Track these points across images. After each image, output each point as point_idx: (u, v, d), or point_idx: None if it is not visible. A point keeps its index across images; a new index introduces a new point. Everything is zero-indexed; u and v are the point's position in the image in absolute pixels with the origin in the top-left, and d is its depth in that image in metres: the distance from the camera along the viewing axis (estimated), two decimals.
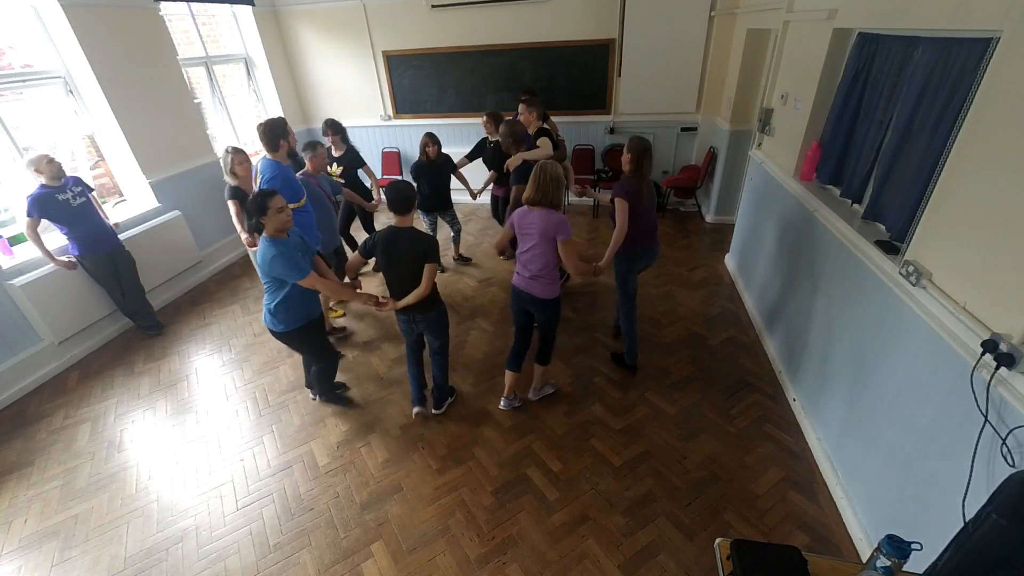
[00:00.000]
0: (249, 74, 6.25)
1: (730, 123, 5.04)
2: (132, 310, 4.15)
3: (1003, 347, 1.45)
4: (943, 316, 1.73)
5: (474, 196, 4.74)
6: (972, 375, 1.57)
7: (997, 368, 1.46)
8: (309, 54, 6.50)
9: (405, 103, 6.58)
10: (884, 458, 2.10)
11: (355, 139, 6.81)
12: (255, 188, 3.45)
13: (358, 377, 3.59)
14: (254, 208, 2.47)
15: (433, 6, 5.76)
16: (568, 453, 2.84)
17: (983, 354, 1.50)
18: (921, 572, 1.21)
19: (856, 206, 2.68)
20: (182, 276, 4.93)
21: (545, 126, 4.22)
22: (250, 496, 2.73)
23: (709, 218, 5.82)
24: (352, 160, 4.59)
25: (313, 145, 3.77)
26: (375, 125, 6.79)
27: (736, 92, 4.87)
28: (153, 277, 4.49)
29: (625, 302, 3.28)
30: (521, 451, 2.89)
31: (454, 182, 4.60)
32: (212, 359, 3.93)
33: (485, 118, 4.45)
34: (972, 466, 1.53)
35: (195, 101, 5.24)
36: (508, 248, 2.79)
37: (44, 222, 3.52)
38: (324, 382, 3.19)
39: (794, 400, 3.05)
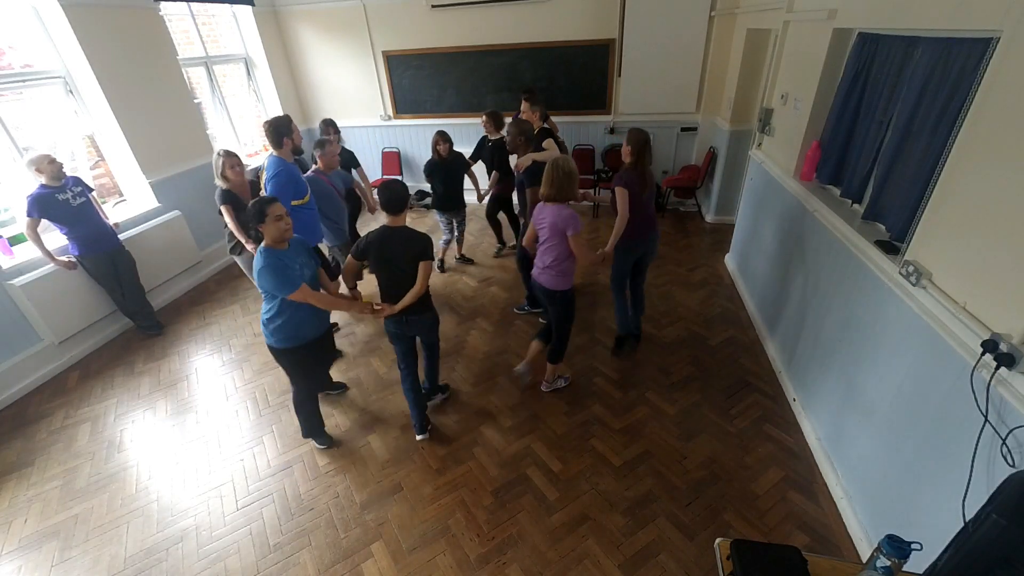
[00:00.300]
0: (249, 74, 6.25)
1: (730, 123, 5.04)
2: (132, 310, 4.15)
3: (1003, 347, 1.45)
4: (943, 316, 1.73)
5: (480, 199, 4.75)
6: (972, 375, 1.56)
7: (997, 368, 1.46)
8: (309, 54, 6.50)
9: (405, 103, 6.58)
10: (884, 458, 2.10)
11: (355, 139, 6.86)
12: (263, 187, 3.41)
13: (358, 377, 3.59)
14: (253, 216, 2.33)
15: (433, 6, 5.76)
16: (568, 453, 2.84)
17: (983, 354, 1.50)
18: (921, 572, 1.21)
19: (856, 206, 2.67)
20: (182, 276, 4.93)
21: (546, 126, 4.22)
22: (250, 496, 2.73)
23: (709, 218, 5.82)
24: (347, 160, 4.60)
25: (322, 143, 3.77)
26: (375, 125, 6.79)
27: (736, 92, 4.87)
28: (153, 277, 4.49)
29: (616, 290, 3.39)
30: (521, 451, 2.89)
31: (466, 182, 4.61)
32: (212, 359, 3.93)
33: (485, 118, 4.44)
34: (972, 466, 1.53)
35: (195, 101, 5.25)
36: (535, 246, 2.92)
37: (44, 222, 3.52)
38: (302, 411, 2.90)
39: (794, 400, 3.05)
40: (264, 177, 3.35)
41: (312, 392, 2.92)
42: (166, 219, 4.64)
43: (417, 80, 6.36)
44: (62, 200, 3.53)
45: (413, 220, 6.46)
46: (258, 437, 3.13)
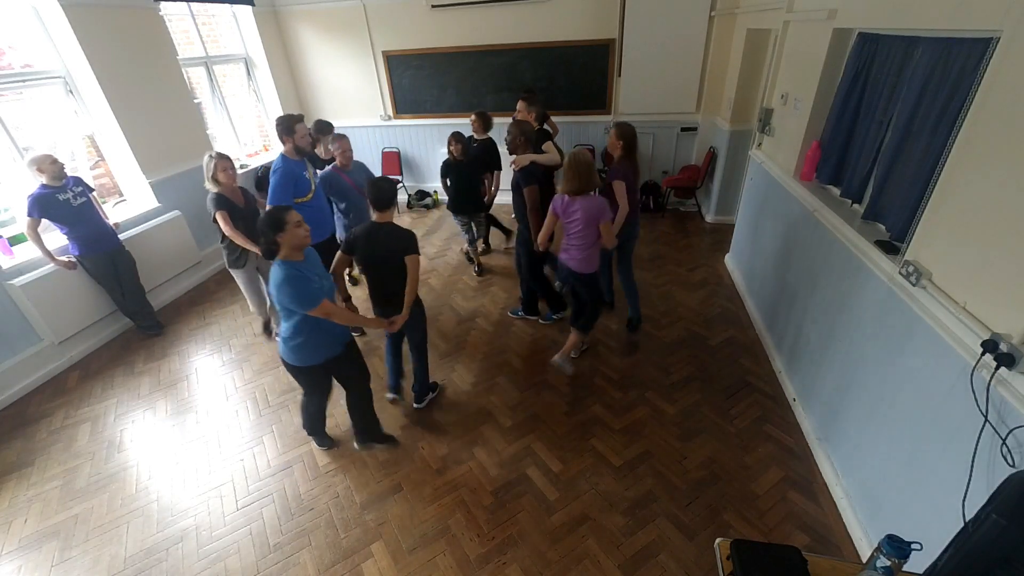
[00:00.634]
0: (249, 74, 6.25)
1: (730, 123, 5.04)
2: (132, 310, 4.15)
3: (1003, 347, 1.45)
4: (943, 316, 1.73)
5: (487, 203, 4.75)
6: (972, 375, 1.57)
7: (997, 368, 1.46)
8: (309, 54, 6.50)
9: (405, 103, 6.58)
10: (884, 458, 2.10)
11: (355, 139, 6.82)
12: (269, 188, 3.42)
13: None
14: (269, 226, 2.15)
15: (433, 6, 5.76)
16: (568, 453, 2.84)
17: (983, 354, 1.50)
18: (921, 572, 1.21)
19: (856, 206, 2.68)
20: (182, 276, 4.93)
21: (547, 128, 4.21)
22: (250, 496, 2.73)
23: (709, 218, 5.82)
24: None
25: (339, 137, 3.80)
26: (375, 125, 6.79)
27: (736, 92, 4.87)
28: (153, 277, 4.49)
29: (604, 265, 3.56)
30: (521, 451, 2.89)
31: None
32: (212, 359, 3.93)
33: (474, 117, 4.45)
34: (972, 466, 1.53)
35: (195, 101, 5.25)
36: (548, 242, 3.08)
37: (44, 222, 3.52)
38: (306, 413, 2.88)
39: (794, 400, 3.05)
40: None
41: (323, 406, 2.88)
42: (166, 219, 4.64)
43: (417, 80, 6.36)
44: (63, 200, 3.53)
45: (413, 220, 6.47)
46: (258, 437, 3.13)
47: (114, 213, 4.39)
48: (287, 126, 3.35)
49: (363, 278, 3.15)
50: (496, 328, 4.05)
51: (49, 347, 3.81)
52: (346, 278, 4.63)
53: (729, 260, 4.80)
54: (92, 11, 4.05)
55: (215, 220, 3.37)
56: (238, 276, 3.69)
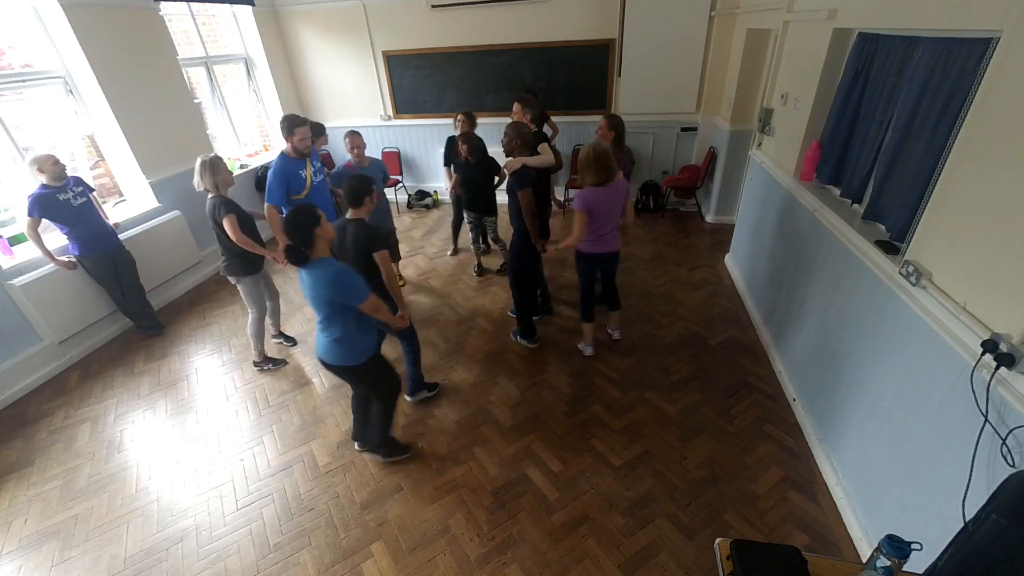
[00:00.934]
0: (249, 74, 6.25)
1: (730, 123, 5.04)
2: (132, 310, 4.15)
3: (1003, 347, 1.45)
4: (943, 316, 1.73)
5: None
6: (972, 375, 1.57)
7: (997, 368, 1.46)
8: (309, 54, 6.50)
9: (405, 103, 6.58)
10: (884, 458, 2.10)
11: None
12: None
13: None
14: (304, 224, 2.10)
15: (433, 6, 5.76)
16: (568, 453, 2.84)
17: (983, 354, 1.50)
18: (921, 572, 1.21)
19: (856, 206, 2.67)
20: (182, 276, 4.93)
21: (545, 130, 4.19)
22: (250, 496, 2.73)
23: (709, 218, 5.82)
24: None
25: (351, 134, 3.84)
26: (375, 125, 6.79)
27: (736, 92, 4.87)
28: (153, 277, 4.49)
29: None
30: (521, 451, 2.89)
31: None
32: (212, 359, 3.93)
33: (462, 117, 4.45)
34: (972, 466, 1.53)
35: (195, 101, 5.25)
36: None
37: (44, 222, 3.52)
38: (387, 425, 2.75)
39: (794, 400, 3.05)
40: None
41: (396, 393, 2.77)
42: (166, 219, 4.64)
43: (417, 80, 6.36)
44: (63, 200, 3.53)
45: (413, 220, 6.47)
46: (258, 437, 3.13)
47: (114, 213, 4.39)
48: (288, 127, 3.44)
49: None
50: (496, 328, 4.05)
51: (49, 347, 3.81)
52: None
53: (729, 260, 4.80)
54: (92, 11, 4.05)
55: (221, 226, 3.15)
56: (248, 283, 3.44)
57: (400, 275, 4.85)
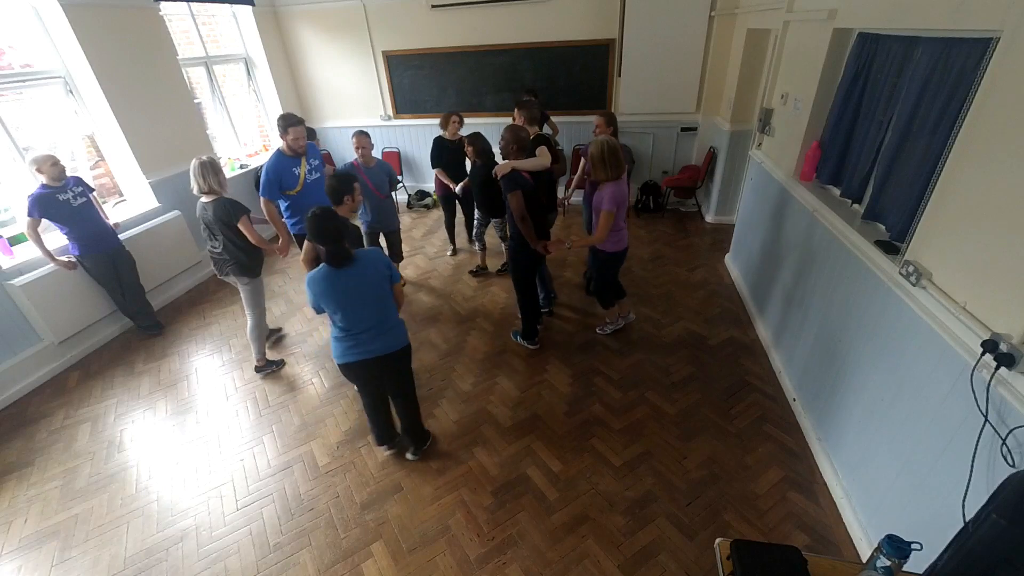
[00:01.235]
0: (249, 74, 6.25)
1: (730, 123, 5.04)
2: (132, 310, 4.15)
3: (1003, 347, 1.45)
4: (943, 316, 1.73)
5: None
6: (972, 375, 1.57)
7: (997, 368, 1.46)
8: (309, 54, 6.50)
9: (405, 103, 6.58)
10: (884, 458, 2.10)
11: None
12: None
13: None
14: (335, 226, 2.19)
15: (433, 6, 5.76)
16: (568, 453, 2.84)
17: (983, 354, 1.50)
18: (921, 572, 1.21)
19: (856, 206, 2.67)
20: (182, 276, 4.93)
21: (547, 132, 4.18)
22: (250, 496, 2.73)
23: (709, 218, 5.82)
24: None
25: (358, 134, 3.85)
26: (375, 125, 6.79)
27: (736, 92, 4.87)
28: (153, 277, 4.49)
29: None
30: (521, 451, 2.89)
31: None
32: (212, 359, 3.93)
33: (456, 118, 4.52)
34: (972, 466, 1.53)
35: (195, 101, 5.25)
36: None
37: (44, 222, 3.52)
38: (420, 417, 2.87)
39: (794, 400, 3.05)
40: None
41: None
42: (166, 219, 4.64)
43: (417, 80, 6.36)
44: (63, 200, 3.53)
45: (413, 220, 6.47)
46: (258, 437, 3.13)
47: (114, 213, 4.39)
48: (283, 126, 3.48)
49: None
50: (496, 328, 4.05)
51: (49, 347, 3.81)
52: None
53: (729, 260, 4.80)
54: (92, 11, 4.05)
55: (230, 227, 3.14)
56: (254, 285, 3.44)
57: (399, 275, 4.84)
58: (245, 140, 6.20)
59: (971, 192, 1.66)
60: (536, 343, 3.74)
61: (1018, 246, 1.46)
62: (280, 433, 3.15)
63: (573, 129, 6.08)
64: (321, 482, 2.78)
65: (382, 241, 4.35)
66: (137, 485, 2.85)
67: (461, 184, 4.62)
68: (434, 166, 4.73)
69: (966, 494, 1.51)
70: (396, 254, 4.53)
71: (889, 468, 2.06)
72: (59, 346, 3.86)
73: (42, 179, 3.46)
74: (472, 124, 6.10)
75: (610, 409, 3.13)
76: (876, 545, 1.22)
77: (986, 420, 1.49)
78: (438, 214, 6.59)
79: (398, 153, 6.85)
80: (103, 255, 3.84)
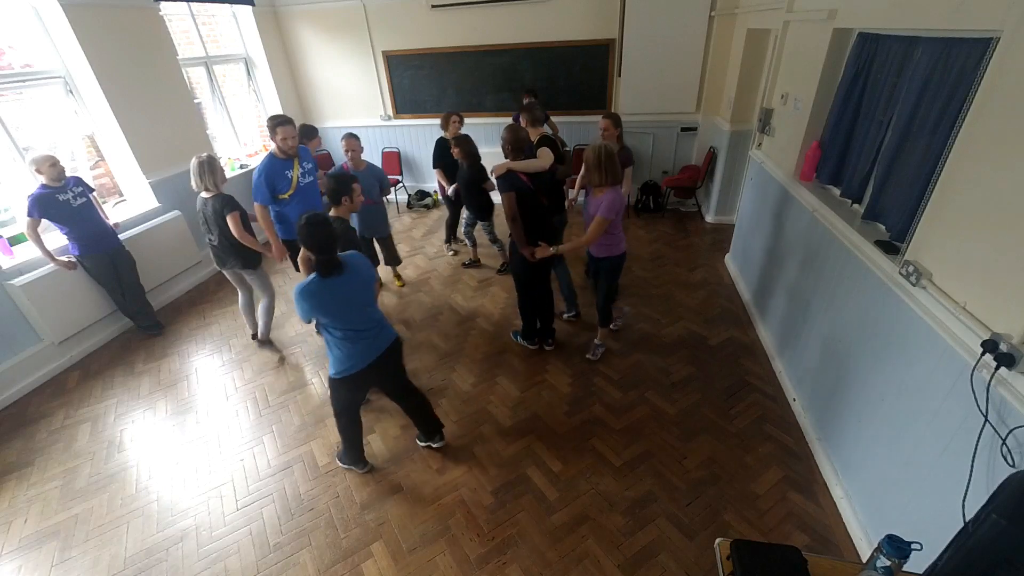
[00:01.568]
0: (249, 74, 6.25)
1: (730, 123, 5.04)
2: (132, 310, 4.15)
3: (1003, 347, 1.45)
4: (943, 316, 1.73)
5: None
6: (972, 375, 1.56)
7: (997, 368, 1.46)
8: (309, 54, 6.50)
9: (405, 103, 6.58)
10: (884, 458, 2.10)
11: None
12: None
13: None
14: (328, 234, 2.15)
15: (433, 6, 5.77)
16: (568, 453, 2.84)
17: (983, 354, 1.50)
18: (921, 572, 1.21)
19: (856, 206, 2.67)
20: (182, 276, 4.93)
21: (550, 134, 4.16)
22: (250, 496, 2.73)
23: (709, 218, 5.82)
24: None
25: (348, 136, 3.88)
26: (375, 125, 6.80)
27: (736, 92, 4.87)
28: (153, 277, 4.49)
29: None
30: (521, 451, 2.89)
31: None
32: (212, 359, 3.93)
33: (455, 118, 4.52)
34: (972, 466, 1.53)
35: (195, 101, 5.25)
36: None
37: (44, 222, 3.52)
38: (433, 414, 2.90)
39: (794, 400, 3.05)
40: None
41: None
42: (166, 219, 4.64)
43: (417, 80, 6.37)
44: (63, 200, 3.53)
45: (413, 220, 6.47)
46: (258, 437, 3.13)
47: (114, 213, 4.39)
48: (270, 128, 3.48)
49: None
50: (496, 328, 4.05)
51: (49, 347, 3.81)
52: None
53: (729, 260, 4.80)
54: (92, 11, 4.05)
55: (225, 222, 3.30)
56: (260, 273, 3.71)
57: (399, 275, 4.85)
58: (245, 140, 6.20)
59: (971, 192, 1.66)
60: (535, 343, 3.74)
61: (1018, 246, 1.46)
62: (280, 433, 3.15)
63: (573, 129, 6.08)
64: (321, 482, 2.78)
65: (376, 247, 4.32)
66: (137, 485, 2.85)
67: (453, 186, 4.63)
68: (434, 166, 4.78)
69: (966, 494, 1.51)
70: (392, 259, 4.52)
71: (889, 468, 2.06)
72: (59, 346, 3.86)
73: (42, 179, 3.46)
74: (472, 124, 6.10)
75: (610, 409, 3.13)
76: (876, 545, 1.22)
77: (986, 420, 1.49)
78: (438, 214, 6.60)
79: (398, 153, 6.85)
80: (103, 255, 3.85)
